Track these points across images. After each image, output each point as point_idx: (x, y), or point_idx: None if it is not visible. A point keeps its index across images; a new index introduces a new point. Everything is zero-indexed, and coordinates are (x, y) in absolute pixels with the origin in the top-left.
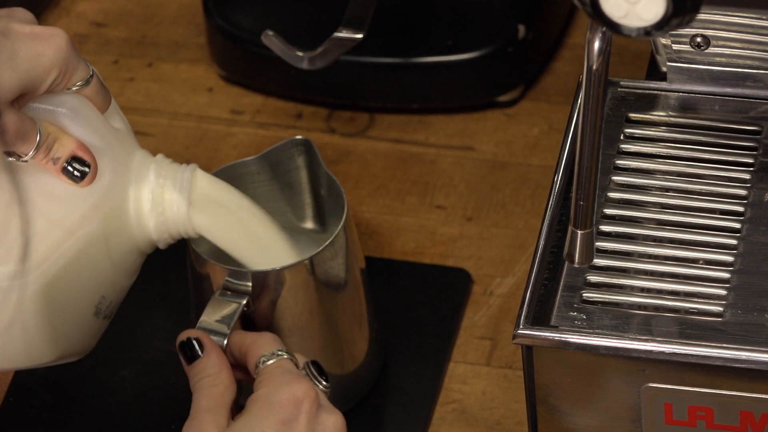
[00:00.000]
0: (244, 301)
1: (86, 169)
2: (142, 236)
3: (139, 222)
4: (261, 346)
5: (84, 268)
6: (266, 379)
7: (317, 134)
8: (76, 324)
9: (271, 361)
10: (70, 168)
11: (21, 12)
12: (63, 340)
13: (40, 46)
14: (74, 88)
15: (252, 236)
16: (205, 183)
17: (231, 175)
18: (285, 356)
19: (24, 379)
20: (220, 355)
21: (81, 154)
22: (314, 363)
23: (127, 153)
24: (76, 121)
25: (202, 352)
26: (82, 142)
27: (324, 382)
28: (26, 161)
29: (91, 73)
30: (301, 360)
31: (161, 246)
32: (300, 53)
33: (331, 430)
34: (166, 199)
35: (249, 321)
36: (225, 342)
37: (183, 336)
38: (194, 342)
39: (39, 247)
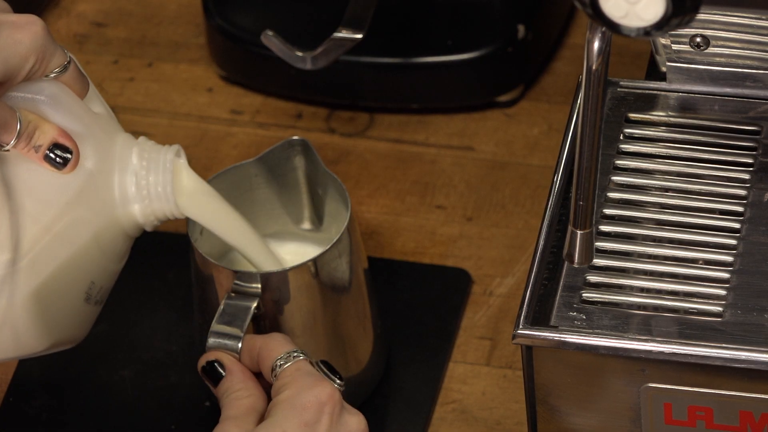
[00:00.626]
0: (255, 304)
1: (68, 156)
2: (127, 220)
3: (125, 205)
4: (273, 348)
5: (72, 254)
6: (287, 383)
7: (317, 134)
8: (67, 311)
9: (288, 364)
10: (52, 155)
11: None
12: (55, 328)
13: (17, 33)
14: (52, 75)
15: (235, 217)
16: (186, 173)
17: (229, 180)
18: (301, 357)
19: (24, 379)
20: (242, 369)
21: (62, 140)
22: (324, 362)
23: (109, 137)
24: (56, 107)
25: (224, 371)
26: (63, 128)
27: (338, 380)
28: (7, 150)
29: (68, 59)
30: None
31: (148, 228)
32: (300, 53)
33: (354, 431)
34: (150, 181)
35: (259, 323)
36: (239, 345)
37: (202, 361)
38: (215, 364)
39: (26, 236)
